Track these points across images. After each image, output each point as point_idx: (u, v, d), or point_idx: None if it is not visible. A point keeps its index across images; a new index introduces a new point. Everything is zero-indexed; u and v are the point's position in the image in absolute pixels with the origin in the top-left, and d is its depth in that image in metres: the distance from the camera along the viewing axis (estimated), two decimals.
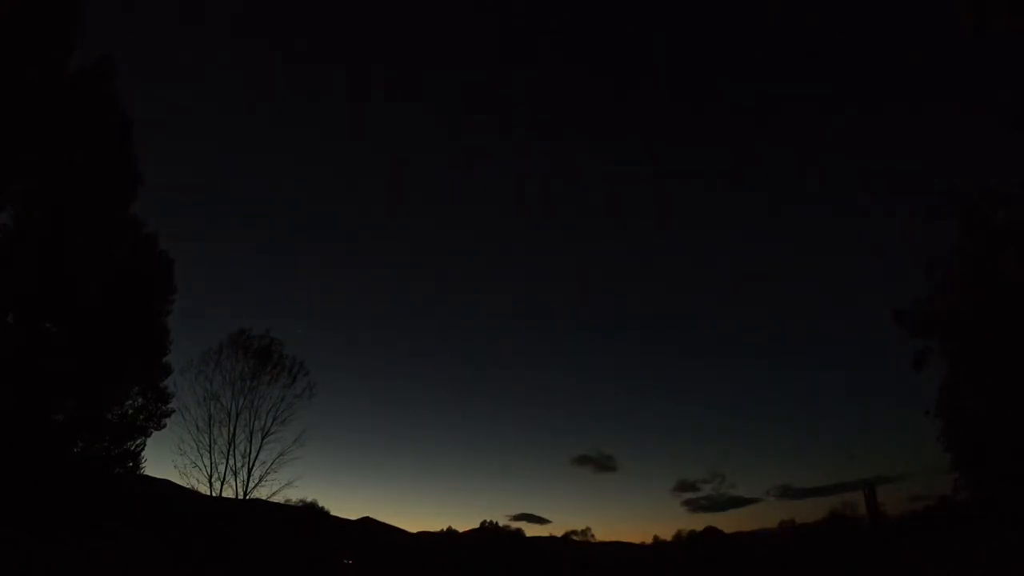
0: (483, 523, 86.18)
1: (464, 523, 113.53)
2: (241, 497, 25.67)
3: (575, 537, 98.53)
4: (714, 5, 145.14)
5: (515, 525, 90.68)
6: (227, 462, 25.58)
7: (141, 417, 17.08)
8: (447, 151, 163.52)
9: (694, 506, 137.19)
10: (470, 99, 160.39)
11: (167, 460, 24.78)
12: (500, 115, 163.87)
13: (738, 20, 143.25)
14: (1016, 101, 16.39)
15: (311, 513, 45.67)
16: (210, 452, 25.34)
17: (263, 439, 26.20)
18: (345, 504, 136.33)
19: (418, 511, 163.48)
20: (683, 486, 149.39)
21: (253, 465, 25.90)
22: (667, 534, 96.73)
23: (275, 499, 26.90)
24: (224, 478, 25.39)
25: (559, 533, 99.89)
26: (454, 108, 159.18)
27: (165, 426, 18.14)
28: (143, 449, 17.11)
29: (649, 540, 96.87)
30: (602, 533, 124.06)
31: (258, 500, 26.52)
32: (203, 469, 25.09)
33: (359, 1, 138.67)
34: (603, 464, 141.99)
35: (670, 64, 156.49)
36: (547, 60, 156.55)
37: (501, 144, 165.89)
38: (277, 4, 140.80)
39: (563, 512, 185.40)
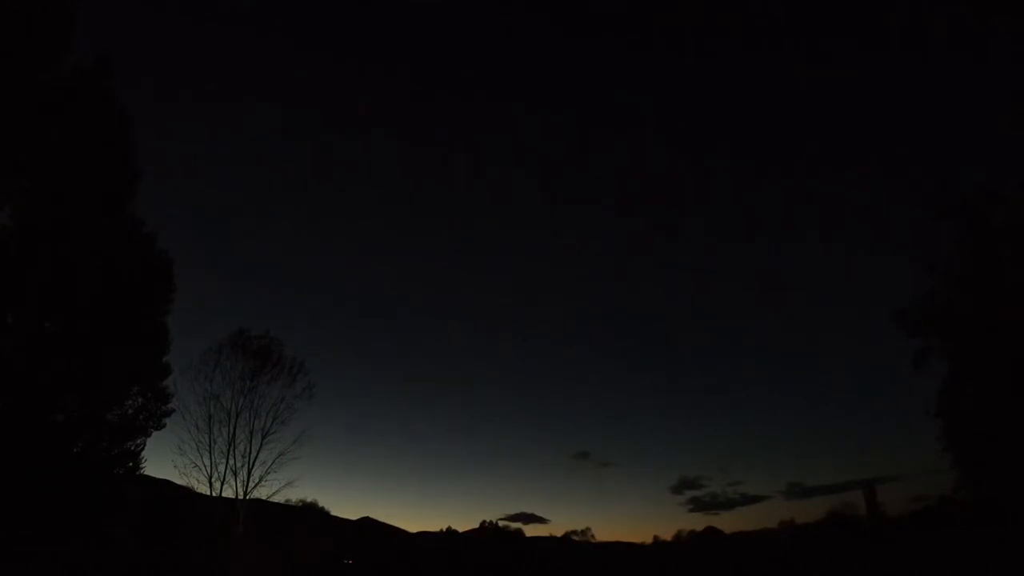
0: (483, 523, 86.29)
1: (464, 523, 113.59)
2: (241, 497, 25.68)
3: (575, 537, 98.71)
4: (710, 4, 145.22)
5: (515, 525, 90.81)
6: (227, 462, 25.61)
7: (141, 417, 17.05)
8: (450, 153, 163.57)
9: (697, 504, 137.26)
10: (471, 110, 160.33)
11: (167, 460, 24.82)
12: (497, 127, 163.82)
13: (731, 16, 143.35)
14: (1016, 101, 16.37)
15: (311, 513, 45.71)
16: (210, 452, 25.38)
17: (263, 439, 26.25)
18: (345, 504, 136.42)
19: (418, 511, 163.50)
20: (685, 483, 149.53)
21: (253, 465, 25.94)
22: (667, 534, 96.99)
23: (275, 499, 26.95)
24: (224, 478, 25.42)
25: (559, 533, 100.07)
26: (456, 116, 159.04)
27: (165, 426, 18.13)
28: (143, 449, 17.09)
29: (649, 540, 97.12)
30: (602, 533, 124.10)
31: (258, 500, 26.53)
32: (203, 469, 25.13)
33: (359, 4, 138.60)
34: (604, 463, 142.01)
35: (664, 68, 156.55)
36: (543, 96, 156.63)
37: (503, 149, 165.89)
38: (280, 3, 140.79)
39: (563, 512, 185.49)
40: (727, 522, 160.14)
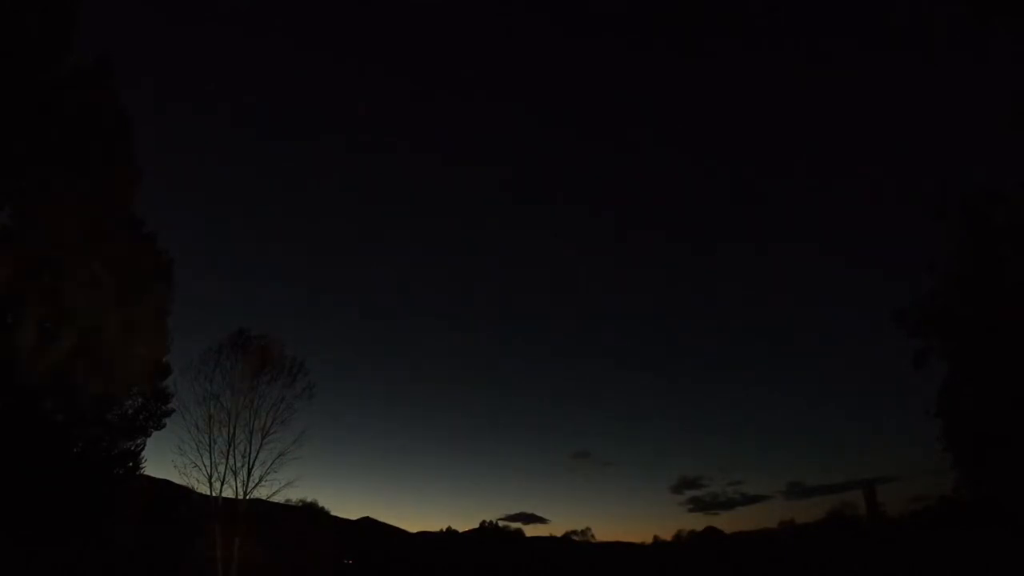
0: (483, 523, 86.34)
1: (464, 523, 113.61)
2: (241, 497, 25.71)
3: (575, 537, 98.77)
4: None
5: (515, 525, 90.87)
6: (227, 462, 25.59)
7: (141, 417, 17.10)
8: (451, 154, 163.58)
9: (697, 504, 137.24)
10: (473, 112, 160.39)
11: (167, 460, 24.82)
12: (498, 128, 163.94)
13: (730, 17, 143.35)
14: (1016, 101, 16.37)
15: (311, 513, 45.71)
16: (210, 452, 25.34)
17: (263, 439, 26.25)
18: (345, 504, 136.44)
19: (418, 511, 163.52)
20: (685, 483, 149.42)
21: (253, 465, 25.93)
22: (667, 534, 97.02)
23: (275, 499, 26.96)
24: (224, 478, 25.43)
25: (559, 533, 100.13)
26: (457, 117, 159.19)
27: (165, 426, 18.19)
28: (143, 449, 17.17)
29: (649, 540, 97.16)
30: (602, 533, 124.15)
31: (258, 500, 26.55)
32: (203, 469, 25.10)
33: (359, 4, 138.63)
34: (604, 463, 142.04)
35: (664, 69, 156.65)
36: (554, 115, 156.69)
37: (503, 151, 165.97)
38: (281, 5, 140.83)
39: (563, 512, 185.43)
40: (727, 522, 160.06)
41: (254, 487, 25.80)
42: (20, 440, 14.09)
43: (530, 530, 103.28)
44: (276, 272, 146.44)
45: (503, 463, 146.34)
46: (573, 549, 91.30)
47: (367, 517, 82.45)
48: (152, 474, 22.20)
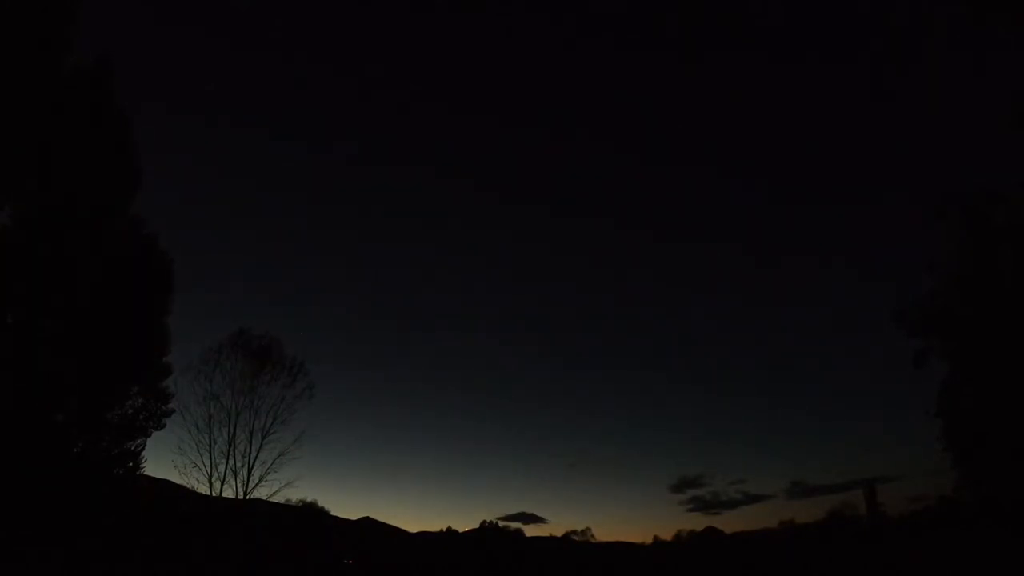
0: (483, 523, 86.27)
1: (464, 523, 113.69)
2: (241, 497, 25.68)
3: (575, 537, 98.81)
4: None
5: (515, 525, 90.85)
6: (227, 462, 25.61)
7: (141, 417, 17.03)
8: (450, 161, 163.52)
9: (698, 503, 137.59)
10: (471, 122, 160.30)
11: (167, 460, 24.82)
12: (494, 136, 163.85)
13: (730, 17, 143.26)
14: (1016, 101, 16.36)
15: (311, 513, 45.70)
16: (210, 452, 25.38)
17: (263, 439, 26.24)
18: (345, 504, 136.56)
19: (418, 511, 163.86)
20: (686, 482, 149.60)
21: (253, 465, 25.93)
22: (667, 534, 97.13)
23: (275, 499, 26.96)
24: (224, 478, 25.42)
25: (559, 533, 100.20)
26: (456, 125, 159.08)
27: (165, 426, 18.11)
28: (143, 449, 17.09)
29: (649, 540, 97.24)
30: (602, 533, 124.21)
31: (258, 500, 26.52)
32: (203, 469, 25.13)
33: (357, 10, 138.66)
34: (603, 463, 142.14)
35: (662, 71, 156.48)
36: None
37: (502, 158, 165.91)
38: (279, 6, 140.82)
39: (563, 512, 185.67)
40: (727, 522, 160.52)
41: (254, 487, 25.83)
42: (19, 440, 14.07)
43: (530, 530, 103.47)
44: (276, 272, 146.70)
45: (503, 463, 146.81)
46: (573, 549, 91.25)
47: (367, 517, 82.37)
48: (152, 474, 22.17)
